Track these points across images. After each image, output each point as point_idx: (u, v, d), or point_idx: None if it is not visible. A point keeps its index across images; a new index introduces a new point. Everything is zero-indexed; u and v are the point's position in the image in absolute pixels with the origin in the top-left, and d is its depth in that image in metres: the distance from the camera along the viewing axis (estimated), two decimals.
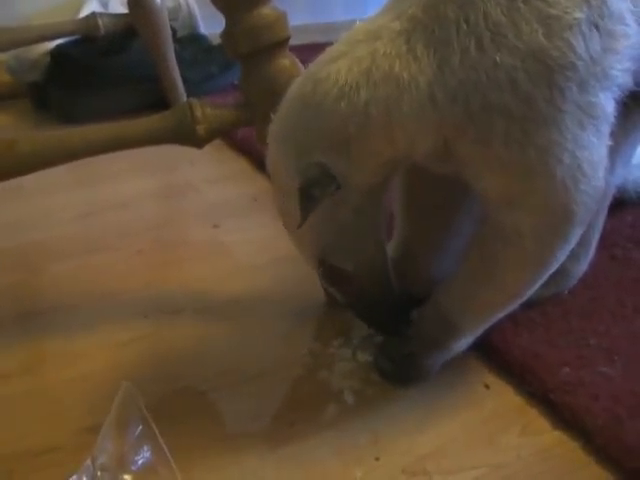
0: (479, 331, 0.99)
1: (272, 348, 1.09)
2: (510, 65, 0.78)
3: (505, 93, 0.79)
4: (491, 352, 1.03)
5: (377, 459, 0.88)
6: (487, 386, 0.99)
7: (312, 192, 0.82)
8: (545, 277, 0.93)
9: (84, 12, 2.21)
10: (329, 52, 0.85)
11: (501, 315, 0.98)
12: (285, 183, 0.87)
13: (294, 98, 0.86)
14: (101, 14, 2.12)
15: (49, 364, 1.07)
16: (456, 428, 0.93)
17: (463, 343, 0.99)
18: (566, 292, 1.13)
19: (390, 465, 0.87)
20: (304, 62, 1.02)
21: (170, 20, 2.06)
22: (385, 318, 1.01)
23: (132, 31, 2.07)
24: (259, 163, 1.68)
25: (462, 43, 0.79)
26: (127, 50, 2.10)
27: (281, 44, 1.00)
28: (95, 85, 2.07)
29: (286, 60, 1.00)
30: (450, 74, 0.79)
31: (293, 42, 1.03)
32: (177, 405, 0.98)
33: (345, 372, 1.02)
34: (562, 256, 0.91)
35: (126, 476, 0.76)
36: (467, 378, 1.01)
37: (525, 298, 0.96)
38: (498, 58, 0.78)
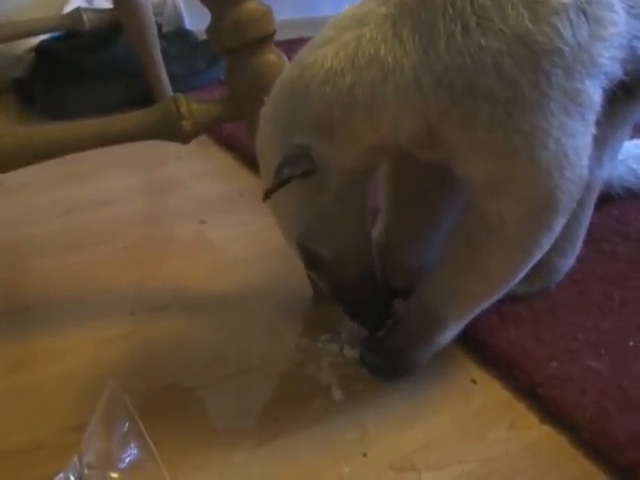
0: (464, 322, 0.99)
1: (259, 344, 1.08)
2: (496, 49, 0.78)
3: (490, 77, 0.79)
4: (478, 347, 1.03)
5: (365, 455, 0.88)
6: (474, 381, 0.99)
7: (282, 170, 0.83)
8: (529, 266, 0.93)
9: (69, 7, 2.19)
10: (318, 37, 0.86)
11: (485, 306, 0.98)
12: (271, 163, 0.87)
13: (283, 82, 0.88)
14: (86, 9, 2.11)
15: (34, 361, 1.07)
16: (444, 423, 0.93)
17: (449, 335, 0.99)
18: (553, 286, 1.13)
19: (378, 461, 0.87)
20: (290, 57, 1.02)
21: (155, 15, 2.05)
22: (367, 311, 1.01)
23: (117, 26, 2.05)
24: (245, 159, 1.68)
25: (448, 27, 0.79)
26: (112, 46, 2.09)
27: (267, 39, 0.99)
28: (80, 81, 2.06)
29: (272, 55, 1.00)
30: (435, 58, 0.80)
31: (279, 37, 1.03)
32: (163, 402, 0.98)
33: (332, 367, 1.02)
34: (546, 245, 0.91)
35: (113, 474, 0.76)
36: (454, 373, 1.01)
37: (509, 288, 0.96)
38: (483, 42, 0.78)
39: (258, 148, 0.92)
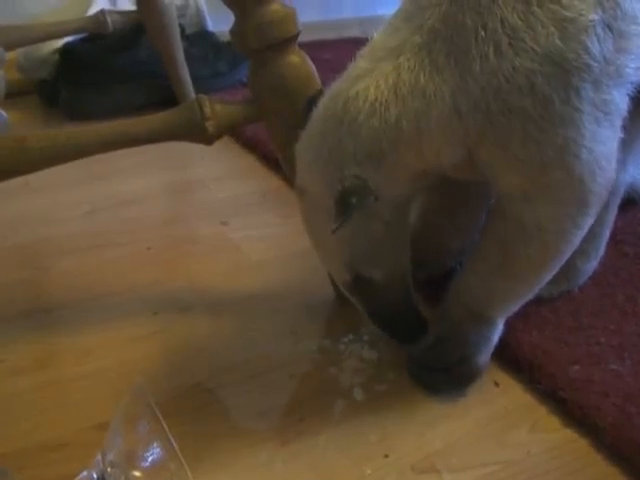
0: (508, 315, 1.01)
1: (281, 344, 1.08)
2: (529, 69, 0.80)
3: (524, 97, 0.80)
4: (501, 349, 1.02)
5: (386, 456, 0.88)
6: (497, 384, 0.99)
7: (350, 200, 0.84)
8: (562, 263, 0.95)
9: (93, 10, 2.21)
10: (353, 70, 0.88)
11: (525, 300, 0.99)
12: (318, 198, 0.90)
13: (324, 117, 0.89)
14: (110, 11, 2.11)
15: (59, 360, 1.07)
16: (466, 425, 0.93)
17: (499, 330, 1.00)
18: (577, 290, 1.13)
19: (399, 462, 0.87)
20: (314, 59, 1.02)
21: (178, 17, 2.06)
22: (406, 325, 1.02)
23: (140, 28, 2.06)
24: (267, 160, 1.69)
25: (481, 50, 0.80)
26: (135, 47, 2.10)
27: (290, 40, 0.99)
28: (104, 82, 2.07)
29: (295, 56, 1.00)
30: (472, 82, 0.81)
31: (303, 39, 1.03)
32: (186, 402, 0.98)
33: (354, 369, 1.02)
34: (577, 244, 0.93)
35: (136, 472, 0.76)
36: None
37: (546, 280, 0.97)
38: (517, 62, 0.79)
39: (300, 184, 0.93)
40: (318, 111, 0.90)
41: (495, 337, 1.00)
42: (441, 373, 1.00)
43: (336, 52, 2.33)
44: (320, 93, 0.94)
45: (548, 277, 0.96)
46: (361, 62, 0.87)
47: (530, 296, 0.99)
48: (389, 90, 0.83)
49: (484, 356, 0.99)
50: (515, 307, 1.00)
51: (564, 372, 0.96)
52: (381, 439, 0.91)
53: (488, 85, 0.80)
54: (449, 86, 0.82)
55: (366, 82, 0.85)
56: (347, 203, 0.84)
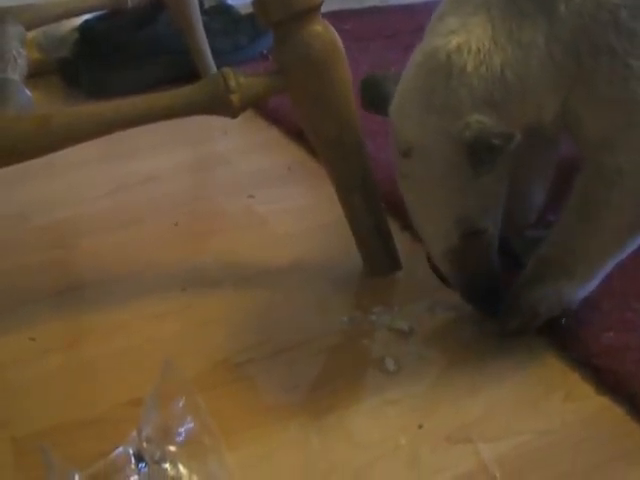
0: (594, 283, 0.99)
1: (311, 317, 1.08)
2: (612, 3, 0.81)
3: (609, 33, 0.82)
4: None
5: (420, 426, 0.88)
6: (530, 352, 0.98)
7: (492, 143, 0.82)
8: None
9: None
10: (442, 27, 0.88)
11: (613, 263, 0.97)
12: (433, 152, 0.88)
13: (426, 72, 0.88)
14: None
15: (88, 338, 1.08)
16: (499, 395, 0.92)
17: (579, 295, 0.99)
18: None
19: (434, 432, 0.87)
20: (337, 29, 1.01)
21: None
22: (491, 295, 1.00)
23: (159, 3, 2.05)
24: (291, 132, 1.68)
25: None
26: (155, 23, 2.09)
27: (314, 10, 0.98)
28: (124, 59, 2.06)
29: (319, 26, 0.98)
30: (561, 25, 0.82)
31: (323, 9, 1.02)
32: (215, 377, 0.98)
33: (386, 339, 1.02)
34: None
35: (171, 447, 0.76)
36: (509, 344, 0.99)
37: (635, 244, 0.96)
38: None
39: (404, 142, 0.91)
40: (413, 70, 0.90)
41: (569, 295, 0.98)
42: (515, 320, 0.99)
43: (357, 22, 2.31)
44: (371, 76, 0.94)
45: (634, 233, 0.95)
46: (450, 19, 0.88)
47: (616, 258, 0.97)
48: (489, 41, 0.84)
49: (552, 309, 0.98)
50: (600, 269, 0.97)
51: (597, 339, 0.96)
52: (414, 410, 0.90)
53: (575, 26, 0.82)
54: (541, 32, 0.83)
55: (464, 36, 0.85)
56: (490, 146, 0.82)
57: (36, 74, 2.13)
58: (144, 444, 0.76)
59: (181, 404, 0.78)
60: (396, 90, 0.92)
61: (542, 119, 0.88)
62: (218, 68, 1.01)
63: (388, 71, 1.01)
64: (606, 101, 0.85)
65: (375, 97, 0.98)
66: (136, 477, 0.77)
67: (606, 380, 0.91)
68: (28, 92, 1.14)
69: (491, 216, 0.95)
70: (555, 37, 0.83)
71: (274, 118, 1.78)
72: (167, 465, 0.76)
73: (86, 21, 2.12)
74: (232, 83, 0.98)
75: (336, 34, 1.00)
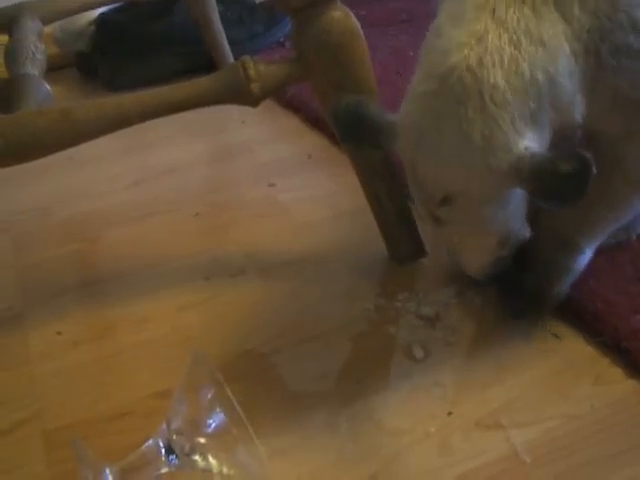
0: (595, 246, 1.00)
1: (336, 305, 1.08)
2: (627, 3, 0.79)
3: (628, 34, 0.80)
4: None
5: (450, 413, 0.87)
6: (557, 336, 0.97)
7: (558, 166, 0.74)
8: None
9: None
10: (446, 42, 0.80)
11: (615, 227, 1.00)
12: (481, 192, 0.82)
13: (451, 97, 0.79)
14: None
15: (115, 330, 1.08)
16: (527, 380, 0.92)
17: (584, 261, 0.99)
18: (634, 237, 1.10)
19: (463, 419, 0.86)
20: (356, 14, 1.00)
21: None
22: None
23: None
24: (310, 120, 1.67)
25: None
26: (170, 14, 2.09)
27: None
28: (140, 51, 2.07)
29: (338, 12, 0.98)
30: (577, 25, 0.79)
31: None
32: (241, 367, 0.98)
33: (412, 326, 1.01)
34: None
35: (200, 439, 0.76)
36: (535, 329, 0.99)
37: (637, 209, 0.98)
38: None
39: (441, 191, 0.83)
40: (429, 101, 0.80)
41: (577, 266, 0.99)
42: (521, 300, 0.99)
43: (372, 8, 2.30)
44: (343, 103, 0.88)
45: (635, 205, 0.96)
46: (452, 32, 0.80)
47: (618, 225, 0.99)
48: (509, 45, 0.77)
49: (562, 285, 0.98)
50: (601, 236, 0.99)
51: (626, 322, 0.94)
52: (443, 396, 0.90)
53: (592, 26, 0.79)
54: (562, 32, 0.79)
55: (479, 46, 0.78)
56: (559, 173, 0.74)
57: (54, 68, 2.13)
58: (174, 436, 0.76)
59: (210, 395, 0.78)
60: (407, 128, 0.84)
61: (573, 120, 0.84)
62: (235, 57, 1.00)
63: (359, 97, 0.91)
64: (629, 101, 0.83)
65: (354, 127, 0.88)
66: (166, 469, 0.77)
67: (636, 363, 0.90)
68: (47, 87, 1.14)
69: (524, 220, 0.93)
70: (574, 36, 0.79)
71: (293, 106, 1.77)
72: (197, 457, 0.76)
73: (102, 14, 2.13)
74: (252, 72, 0.97)
75: (355, 20, 0.99)
